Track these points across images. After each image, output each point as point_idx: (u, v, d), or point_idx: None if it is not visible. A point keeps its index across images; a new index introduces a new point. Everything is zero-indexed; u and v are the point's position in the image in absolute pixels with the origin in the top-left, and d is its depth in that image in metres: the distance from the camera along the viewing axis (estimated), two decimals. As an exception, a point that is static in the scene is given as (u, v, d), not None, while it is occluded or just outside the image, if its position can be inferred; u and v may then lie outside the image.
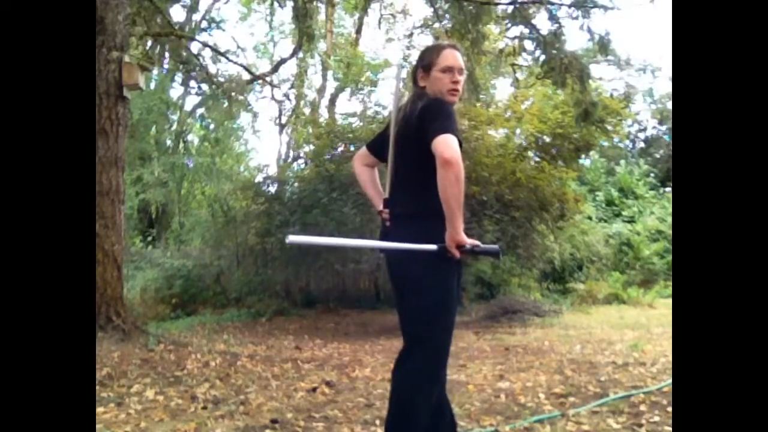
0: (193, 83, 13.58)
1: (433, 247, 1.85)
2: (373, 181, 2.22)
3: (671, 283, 10.90)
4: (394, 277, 2.06)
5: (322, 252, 8.41)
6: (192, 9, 13.86)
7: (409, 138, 1.94)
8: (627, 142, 21.06)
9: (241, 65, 11.65)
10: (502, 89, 16.86)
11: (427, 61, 2.03)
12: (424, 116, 1.89)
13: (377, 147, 2.17)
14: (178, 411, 3.07)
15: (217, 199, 11.81)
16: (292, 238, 1.75)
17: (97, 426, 2.69)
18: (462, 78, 2.02)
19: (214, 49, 10.92)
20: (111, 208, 4.93)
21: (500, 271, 9.86)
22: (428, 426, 1.92)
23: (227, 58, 10.86)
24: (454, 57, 2.01)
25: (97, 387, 3.43)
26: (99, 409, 3.01)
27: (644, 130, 22.17)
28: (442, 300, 1.91)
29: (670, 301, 9.62)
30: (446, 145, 1.78)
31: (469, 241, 1.85)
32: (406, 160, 1.97)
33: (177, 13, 13.41)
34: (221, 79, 9.94)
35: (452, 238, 1.82)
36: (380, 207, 2.08)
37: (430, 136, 1.82)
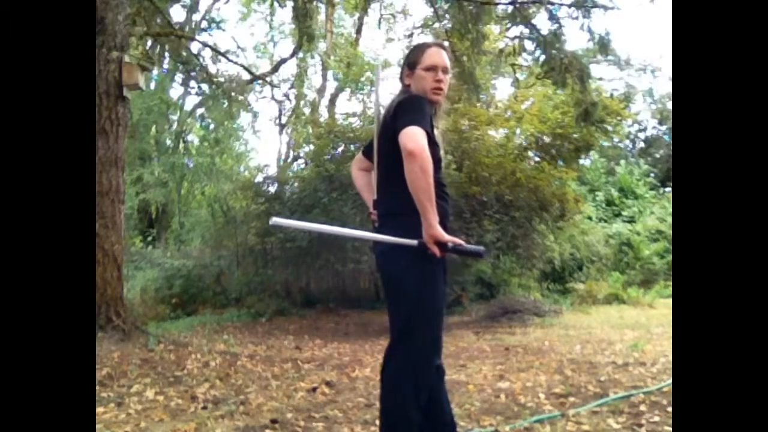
0: (193, 83, 13.60)
1: (413, 242, 1.83)
2: (368, 185, 2.21)
3: (671, 283, 10.90)
4: (380, 273, 2.06)
5: (322, 252, 8.41)
6: (192, 9, 13.87)
7: (388, 136, 1.93)
8: (627, 142, 21.10)
9: (241, 65, 11.66)
10: (502, 89, 16.94)
11: (411, 60, 2.03)
12: (397, 112, 1.88)
13: (371, 151, 2.15)
14: (178, 411, 3.07)
15: (217, 199, 11.82)
16: (276, 220, 1.76)
17: (97, 426, 2.70)
18: (446, 77, 2.00)
19: (214, 49, 10.92)
20: (111, 208, 4.93)
21: (500, 271, 9.86)
22: (426, 426, 1.91)
23: (227, 58, 10.86)
24: (438, 55, 2.00)
25: (97, 387, 3.43)
26: (99, 409, 3.01)
27: (644, 130, 22.19)
28: (423, 299, 1.88)
29: (670, 301, 9.62)
30: (409, 137, 1.76)
31: (448, 238, 1.82)
32: (388, 158, 1.96)
33: (177, 13, 13.44)
34: (221, 79, 9.93)
35: (427, 232, 1.79)
36: (371, 209, 2.08)
37: (398, 129, 1.81)
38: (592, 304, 10.05)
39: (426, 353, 1.91)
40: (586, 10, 6.84)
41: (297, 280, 9.54)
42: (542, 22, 7.50)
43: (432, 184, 1.77)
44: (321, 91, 17.34)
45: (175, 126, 14.56)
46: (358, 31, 16.94)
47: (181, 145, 14.65)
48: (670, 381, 3.40)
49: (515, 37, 8.20)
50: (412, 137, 1.76)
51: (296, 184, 10.04)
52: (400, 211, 1.88)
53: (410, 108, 1.86)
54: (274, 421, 2.83)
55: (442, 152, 2.03)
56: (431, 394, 1.94)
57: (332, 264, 8.55)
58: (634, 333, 6.32)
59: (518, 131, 10.11)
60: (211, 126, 15.05)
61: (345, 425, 2.78)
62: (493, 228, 7.89)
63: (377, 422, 2.76)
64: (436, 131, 1.96)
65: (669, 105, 20.47)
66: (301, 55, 14.71)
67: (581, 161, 12.71)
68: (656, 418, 2.74)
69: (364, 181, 2.23)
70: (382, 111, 2.04)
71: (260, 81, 14.05)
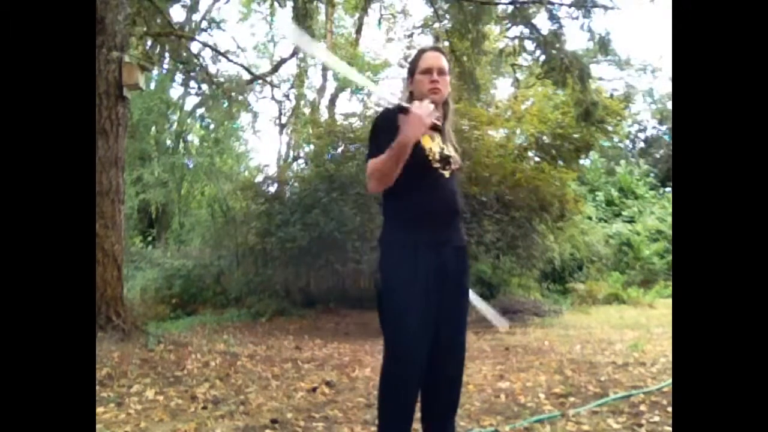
0: (193, 83, 13.54)
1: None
2: None
3: (671, 283, 10.91)
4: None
5: (323, 252, 8.41)
6: (192, 9, 13.85)
7: None
8: (627, 142, 21.10)
9: (241, 65, 11.65)
10: (502, 89, 16.89)
11: (411, 67, 2.11)
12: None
13: None
14: (178, 411, 3.07)
15: (217, 199, 11.81)
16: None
17: (97, 426, 2.69)
18: (443, 78, 2.04)
19: (214, 49, 10.91)
20: (111, 208, 4.93)
21: (500, 271, 9.86)
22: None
23: (227, 58, 10.85)
24: (433, 58, 2.05)
25: (97, 387, 3.43)
26: (99, 409, 3.01)
27: (644, 130, 22.19)
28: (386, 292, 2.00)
29: (670, 301, 9.62)
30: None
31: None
32: None
33: (177, 13, 13.40)
34: (221, 79, 9.94)
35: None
36: None
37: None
38: (592, 304, 10.06)
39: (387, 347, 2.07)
40: (586, 10, 6.85)
41: (297, 280, 9.53)
42: (542, 22, 7.52)
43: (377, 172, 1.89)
44: (321, 91, 17.32)
45: (175, 126, 14.52)
46: (358, 31, 16.92)
47: (181, 145, 14.63)
48: (670, 381, 3.40)
49: (515, 37, 8.20)
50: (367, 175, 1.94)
51: (296, 184, 10.05)
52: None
53: (371, 134, 2.00)
54: (274, 421, 2.82)
55: (452, 150, 2.08)
56: None
57: (332, 264, 8.55)
58: (634, 333, 6.32)
59: (518, 131, 10.12)
60: (211, 126, 15.02)
61: (345, 425, 2.78)
62: (493, 228, 7.90)
63: (377, 422, 2.77)
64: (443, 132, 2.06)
65: (669, 105, 20.47)
66: (301, 55, 14.70)
67: (581, 161, 12.71)
68: (656, 418, 2.74)
69: None
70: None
71: (260, 81, 14.04)
